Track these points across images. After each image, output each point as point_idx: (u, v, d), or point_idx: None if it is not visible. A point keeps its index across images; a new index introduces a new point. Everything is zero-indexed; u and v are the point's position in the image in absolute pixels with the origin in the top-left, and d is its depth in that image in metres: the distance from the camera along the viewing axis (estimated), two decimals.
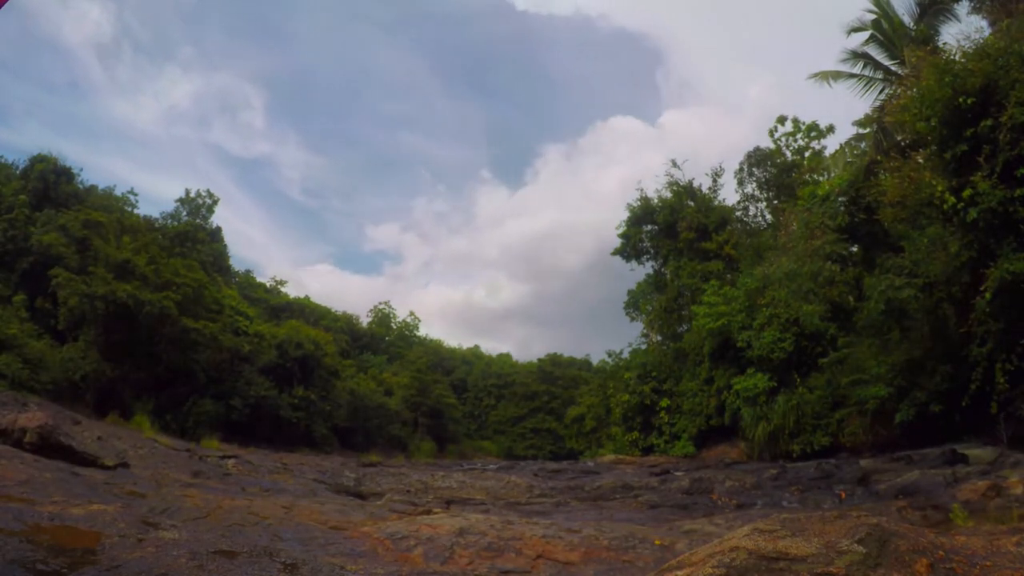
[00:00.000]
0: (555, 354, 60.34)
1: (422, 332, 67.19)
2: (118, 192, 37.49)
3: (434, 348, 64.11)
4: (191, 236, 35.57)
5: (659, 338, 33.95)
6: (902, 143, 18.20)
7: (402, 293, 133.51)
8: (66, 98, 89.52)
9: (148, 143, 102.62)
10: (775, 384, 21.29)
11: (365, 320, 63.80)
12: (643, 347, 35.58)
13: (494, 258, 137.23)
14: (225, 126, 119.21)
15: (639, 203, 35.03)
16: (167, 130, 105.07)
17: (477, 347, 70.45)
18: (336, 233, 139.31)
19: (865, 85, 21.81)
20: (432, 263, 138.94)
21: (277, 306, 49.85)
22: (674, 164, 34.78)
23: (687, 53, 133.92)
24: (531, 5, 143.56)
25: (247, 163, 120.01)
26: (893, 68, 20.98)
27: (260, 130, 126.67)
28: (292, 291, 57.90)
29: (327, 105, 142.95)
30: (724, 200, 34.49)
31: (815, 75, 22.89)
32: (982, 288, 11.86)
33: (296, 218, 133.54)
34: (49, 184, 29.38)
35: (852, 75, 22.02)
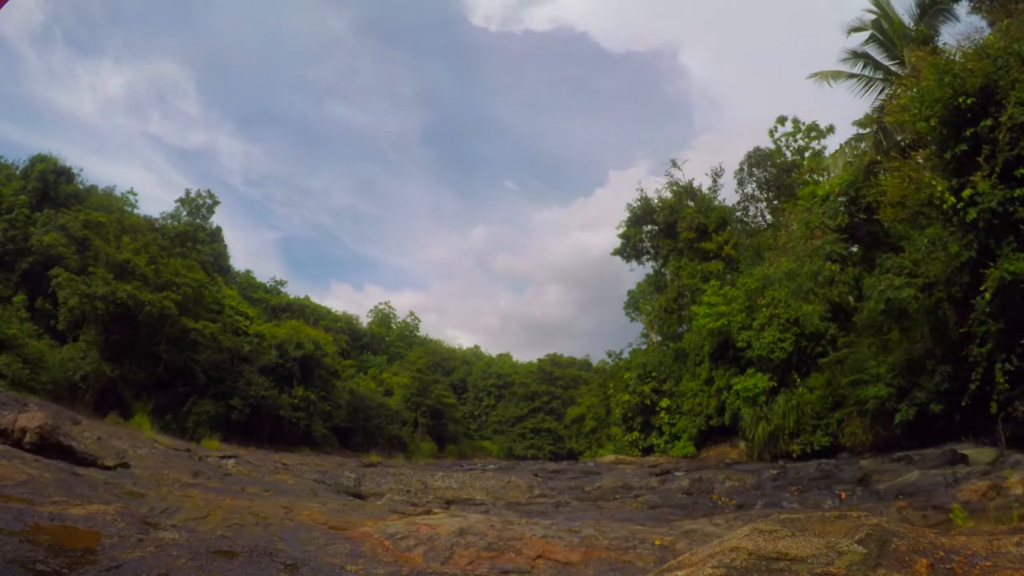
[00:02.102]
0: (555, 354, 60.36)
1: (422, 332, 67.32)
2: (118, 192, 37.60)
3: (434, 348, 64.13)
4: (191, 236, 35.59)
5: (659, 338, 33.95)
6: (902, 143, 18.21)
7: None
8: (7, 86, 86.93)
9: (93, 134, 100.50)
10: (775, 384, 21.28)
11: (365, 320, 63.89)
12: (643, 347, 35.59)
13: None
14: (161, 116, 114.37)
15: (639, 203, 35.06)
16: (109, 122, 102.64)
17: (477, 347, 70.60)
18: (284, 222, 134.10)
19: (865, 85, 21.82)
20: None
21: (277, 306, 49.88)
22: (674, 164, 34.83)
23: (693, 62, 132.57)
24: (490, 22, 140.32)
25: (188, 153, 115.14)
26: (893, 68, 20.98)
27: (196, 118, 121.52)
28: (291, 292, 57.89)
29: (261, 89, 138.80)
30: (724, 200, 34.56)
31: (815, 75, 22.91)
32: (982, 288, 11.86)
33: (243, 207, 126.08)
34: (49, 184, 29.40)
35: (852, 75, 22.03)
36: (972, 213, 11.82)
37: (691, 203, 33.28)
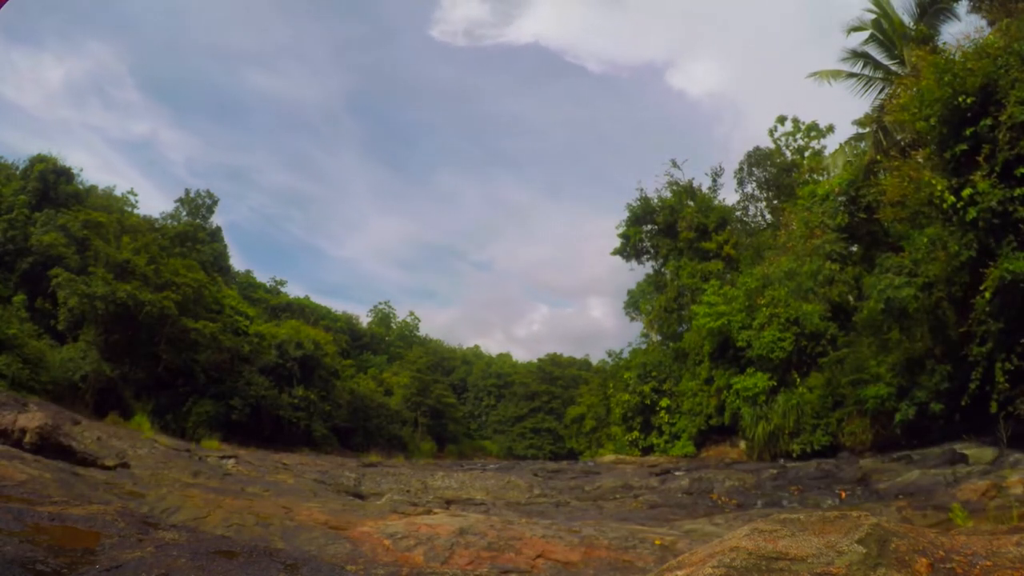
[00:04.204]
0: (555, 354, 60.25)
1: (421, 332, 67.27)
2: (118, 192, 37.60)
3: (434, 348, 64.09)
4: (191, 236, 35.58)
5: (659, 338, 33.95)
6: (902, 143, 18.22)
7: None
8: None
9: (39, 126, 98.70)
10: (775, 384, 21.28)
11: (365, 320, 63.85)
12: (643, 347, 35.58)
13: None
14: (103, 106, 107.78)
15: (639, 203, 35.04)
16: (53, 114, 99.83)
17: (477, 347, 70.52)
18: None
19: (865, 85, 21.81)
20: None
21: (277, 306, 49.85)
22: (674, 164, 34.83)
23: (696, 70, 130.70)
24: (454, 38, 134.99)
25: (136, 145, 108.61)
26: (893, 68, 20.98)
27: (138, 105, 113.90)
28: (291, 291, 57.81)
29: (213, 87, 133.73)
30: (724, 200, 34.56)
31: (815, 74, 22.89)
32: (982, 288, 11.86)
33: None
34: (49, 184, 29.36)
35: (852, 74, 22.02)
36: (972, 212, 11.82)
37: (691, 203, 33.28)
